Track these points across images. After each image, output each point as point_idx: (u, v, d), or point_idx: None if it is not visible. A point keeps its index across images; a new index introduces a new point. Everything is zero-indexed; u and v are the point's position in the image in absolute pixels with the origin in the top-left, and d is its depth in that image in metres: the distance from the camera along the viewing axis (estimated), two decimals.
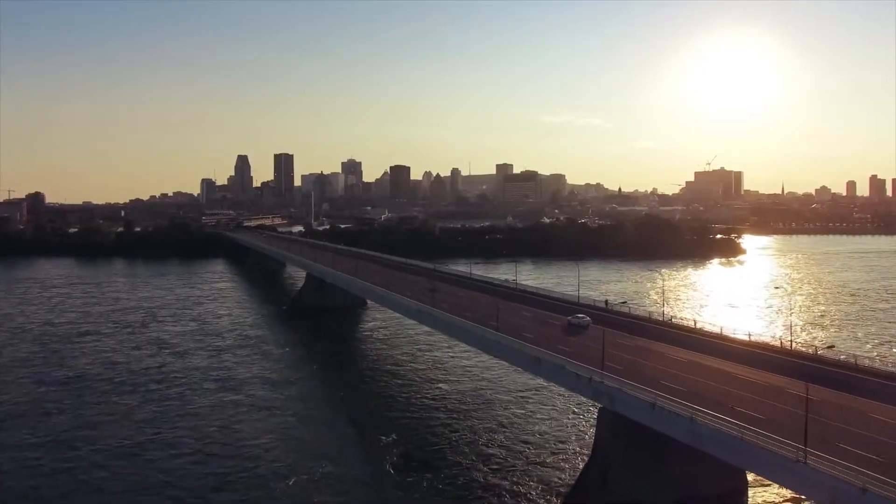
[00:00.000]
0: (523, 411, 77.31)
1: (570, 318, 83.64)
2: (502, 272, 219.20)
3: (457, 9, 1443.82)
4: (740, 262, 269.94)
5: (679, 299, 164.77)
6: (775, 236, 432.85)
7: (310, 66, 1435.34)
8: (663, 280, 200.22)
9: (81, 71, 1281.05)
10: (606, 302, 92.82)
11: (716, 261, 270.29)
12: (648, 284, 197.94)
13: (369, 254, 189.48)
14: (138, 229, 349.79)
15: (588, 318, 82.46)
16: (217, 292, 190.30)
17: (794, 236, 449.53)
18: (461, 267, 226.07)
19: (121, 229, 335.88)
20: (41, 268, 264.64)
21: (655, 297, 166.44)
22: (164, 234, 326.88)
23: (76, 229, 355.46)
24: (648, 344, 65.78)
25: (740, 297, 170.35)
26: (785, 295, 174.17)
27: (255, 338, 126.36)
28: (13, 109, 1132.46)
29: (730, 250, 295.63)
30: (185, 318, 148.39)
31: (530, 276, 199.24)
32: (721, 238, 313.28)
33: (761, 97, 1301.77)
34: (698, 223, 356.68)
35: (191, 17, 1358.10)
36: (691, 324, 74.45)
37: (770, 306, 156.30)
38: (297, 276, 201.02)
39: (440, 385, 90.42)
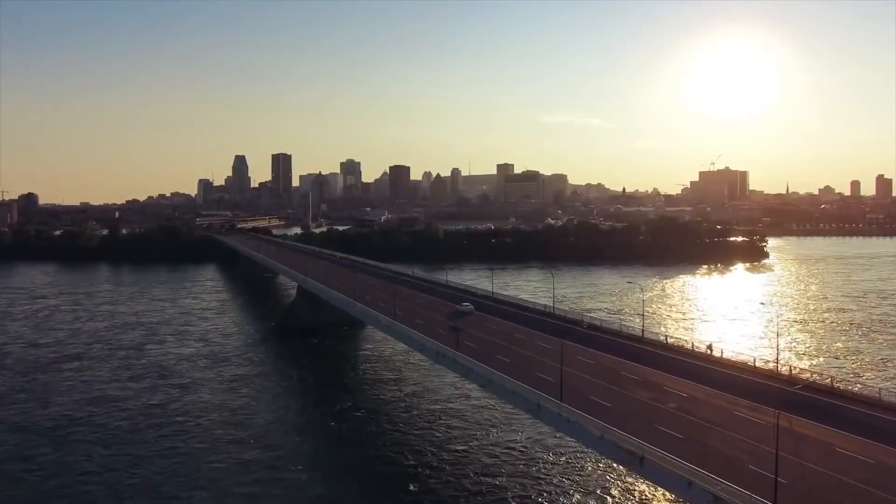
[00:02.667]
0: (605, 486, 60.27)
1: (458, 305, 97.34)
2: (524, 282, 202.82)
3: (457, 9, 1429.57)
4: (769, 268, 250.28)
5: (741, 316, 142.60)
6: (788, 238, 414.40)
7: (309, 66, 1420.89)
8: (707, 291, 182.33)
9: (80, 71, 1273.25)
10: (710, 346, 67.80)
11: (740, 266, 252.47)
12: (698, 297, 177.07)
13: (370, 264, 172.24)
14: (126, 231, 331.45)
15: (471, 306, 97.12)
16: (206, 306, 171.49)
17: (808, 238, 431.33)
18: (467, 274, 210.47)
19: (106, 232, 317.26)
20: (23, 274, 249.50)
21: (711, 318, 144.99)
22: (152, 237, 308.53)
23: (60, 232, 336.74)
24: (812, 430, 43.79)
25: (816, 314, 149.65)
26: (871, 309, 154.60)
27: (255, 364, 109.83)
28: (12, 110, 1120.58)
29: (752, 254, 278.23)
30: (180, 338, 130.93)
31: (559, 288, 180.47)
32: (741, 241, 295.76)
33: (761, 97, 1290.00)
34: (714, 224, 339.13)
35: (189, 17, 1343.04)
36: (823, 379, 52.87)
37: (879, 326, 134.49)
38: (292, 283, 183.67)
39: (500, 433, 73.65)
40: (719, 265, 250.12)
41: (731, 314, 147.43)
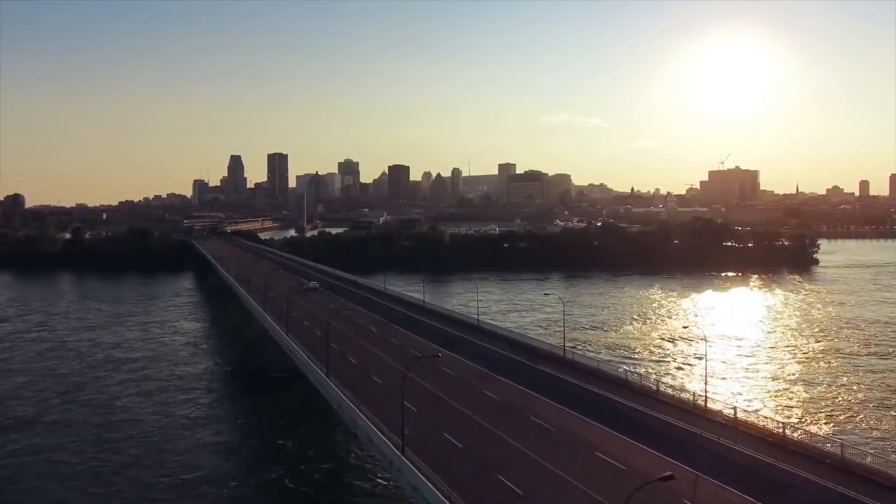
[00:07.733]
0: None
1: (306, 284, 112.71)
2: (613, 300, 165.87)
3: (456, 9, 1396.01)
4: (837, 279, 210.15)
5: None
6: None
7: (307, 65, 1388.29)
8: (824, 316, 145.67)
9: (77, 72, 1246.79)
10: None
11: (795, 277, 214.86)
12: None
13: (362, 285, 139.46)
14: (99, 233, 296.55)
15: (317, 284, 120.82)
16: (159, 335, 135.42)
17: (838, 241, 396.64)
18: (480, 288, 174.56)
19: (68, 236, 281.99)
20: None
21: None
22: (122, 242, 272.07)
23: (22, 235, 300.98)
24: None
25: None
26: None
27: (243, 455, 73.83)
28: (8, 110, 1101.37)
29: (801, 261, 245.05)
30: (155, 386, 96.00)
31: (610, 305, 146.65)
32: (789, 245, 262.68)
33: (762, 97, 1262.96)
34: (733, 226, 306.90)
35: (185, 17, 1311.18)
36: None
37: None
38: None
39: None
40: (770, 275, 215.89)
41: None
